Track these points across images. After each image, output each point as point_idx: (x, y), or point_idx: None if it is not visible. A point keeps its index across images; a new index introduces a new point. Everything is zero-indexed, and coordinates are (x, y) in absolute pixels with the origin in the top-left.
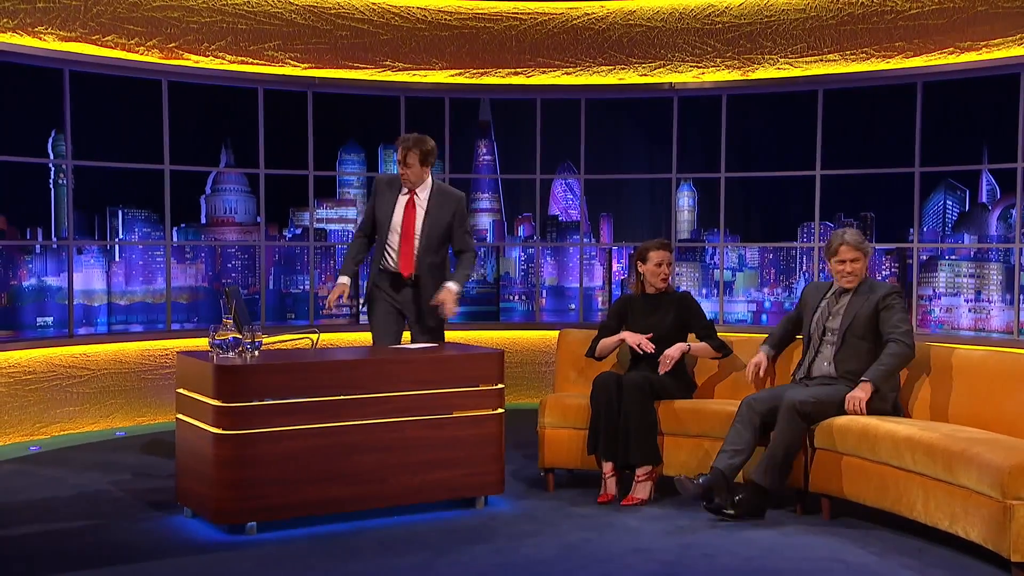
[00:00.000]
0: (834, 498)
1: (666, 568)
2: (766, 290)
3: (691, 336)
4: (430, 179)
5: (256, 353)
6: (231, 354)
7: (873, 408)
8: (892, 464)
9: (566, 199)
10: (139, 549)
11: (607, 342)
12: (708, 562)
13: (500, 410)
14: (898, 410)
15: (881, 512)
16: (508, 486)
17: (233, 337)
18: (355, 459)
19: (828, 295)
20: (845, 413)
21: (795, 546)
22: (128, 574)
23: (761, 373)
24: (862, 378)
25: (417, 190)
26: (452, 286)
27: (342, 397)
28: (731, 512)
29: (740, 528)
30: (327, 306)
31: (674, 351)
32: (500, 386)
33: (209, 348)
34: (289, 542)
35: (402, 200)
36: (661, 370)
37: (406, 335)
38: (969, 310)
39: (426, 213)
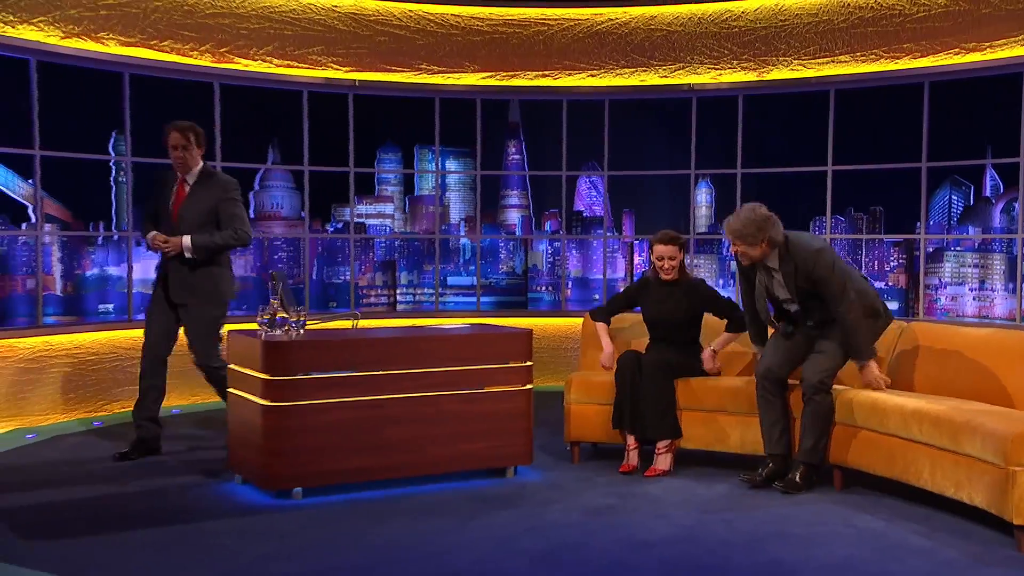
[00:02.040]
0: (846, 469)
1: (685, 531)
2: None
3: (706, 317)
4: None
5: (301, 332)
6: (278, 332)
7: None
8: (900, 435)
9: (590, 196)
10: (194, 511)
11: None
12: (725, 527)
13: (528, 386)
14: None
15: (890, 482)
16: (536, 458)
17: (280, 317)
18: (393, 430)
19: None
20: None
21: (808, 513)
22: (186, 533)
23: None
24: (859, 363)
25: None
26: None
27: (381, 372)
28: (799, 483)
29: (756, 496)
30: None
31: (708, 359)
32: (529, 363)
33: (257, 327)
34: (332, 506)
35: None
36: (709, 368)
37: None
38: (973, 298)
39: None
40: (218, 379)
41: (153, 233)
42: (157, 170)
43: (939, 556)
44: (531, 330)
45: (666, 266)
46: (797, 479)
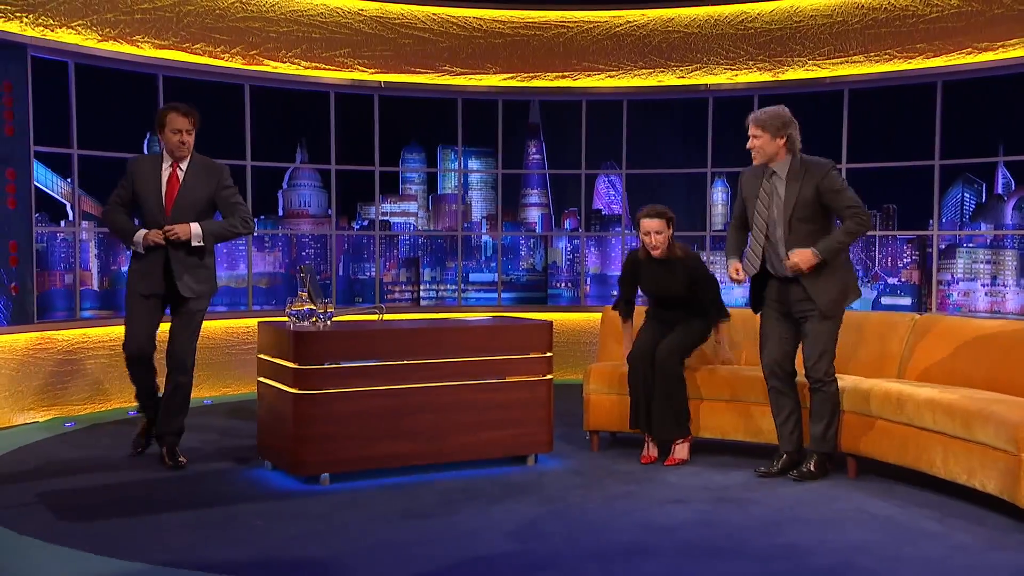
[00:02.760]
0: (859, 457)
1: (702, 515)
2: None
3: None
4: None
5: (328, 323)
6: (306, 323)
7: (824, 291)
8: (914, 424)
9: (608, 195)
10: (226, 495)
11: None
12: (741, 512)
13: (549, 376)
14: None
15: (903, 470)
16: (556, 447)
17: (308, 308)
18: (417, 418)
19: (764, 180)
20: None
21: (822, 500)
22: (216, 515)
23: (742, 275)
24: (814, 247)
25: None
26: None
27: (405, 362)
28: (814, 472)
29: (771, 484)
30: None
31: (724, 355)
32: (549, 354)
33: (287, 318)
34: (358, 491)
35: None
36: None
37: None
38: (986, 294)
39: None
40: (187, 387)
41: (143, 232)
42: (129, 159)
43: (952, 540)
44: (551, 322)
45: (652, 240)
46: (812, 468)
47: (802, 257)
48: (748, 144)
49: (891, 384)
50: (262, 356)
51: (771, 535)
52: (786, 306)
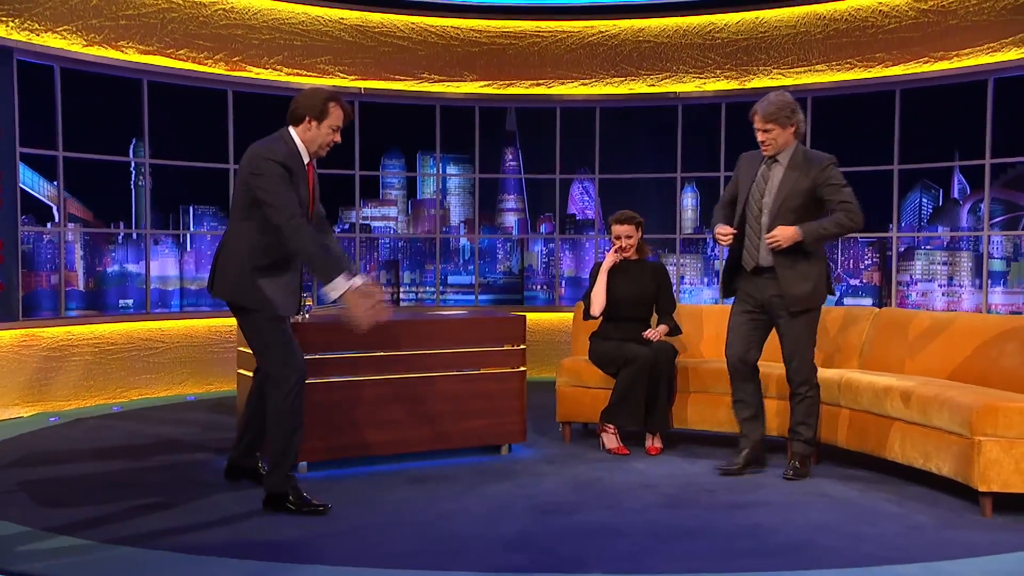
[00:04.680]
0: (822, 444)
1: (669, 500)
2: None
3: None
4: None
5: (306, 316)
6: None
7: (795, 282)
8: (873, 411)
9: (583, 200)
10: (206, 483)
11: (597, 293)
12: (707, 496)
13: (522, 368)
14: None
15: (863, 456)
16: (529, 439)
17: None
18: (394, 408)
19: (763, 164)
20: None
21: (785, 484)
22: (195, 501)
23: (728, 238)
24: (799, 227)
25: None
26: None
27: (383, 353)
28: (807, 470)
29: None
30: None
31: (662, 331)
32: (522, 347)
33: None
34: (335, 479)
35: None
36: (650, 335)
37: None
38: (943, 294)
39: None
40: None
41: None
42: (259, 144)
43: (909, 520)
44: (525, 316)
45: (624, 245)
46: (804, 466)
47: (784, 233)
48: (759, 138)
49: (851, 373)
50: (242, 349)
51: (736, 517)
52: (758, 302)
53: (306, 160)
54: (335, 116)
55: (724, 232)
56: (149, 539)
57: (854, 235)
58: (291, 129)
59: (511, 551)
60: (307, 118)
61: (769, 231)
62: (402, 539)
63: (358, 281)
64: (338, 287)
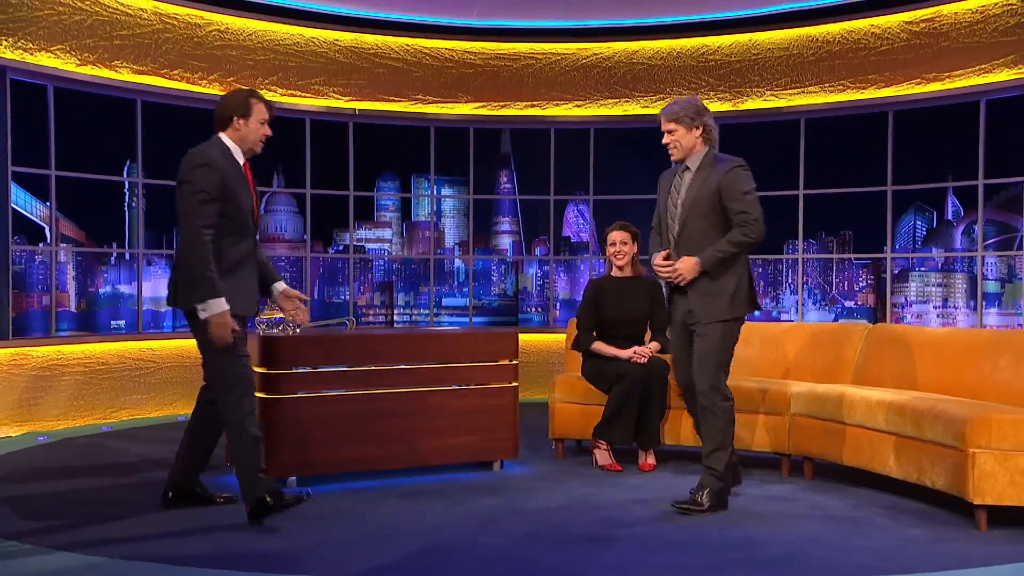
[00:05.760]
0: (815, 461)
1: (662, 515)
2: None
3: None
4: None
5: (297, 331)
6: (275, 330)
7: (704, 297)
8: (867, 426)
9: (577, 223)
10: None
11: (602, 350)
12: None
13: (514, 383)
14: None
15: (858, 473)
16: (522, 456)
17: (278, 316)
18: (384, 423)
19: (676, 175)
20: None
21: (777, 499)
22: (182, 515)
23: (662, 259)
24: (697, 256)
25: None
26: None
27: (372, 368)
28: (699, 502)
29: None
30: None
31: (654, 347)
32: (514, 362)
33: (256, 326)
34: (325, 494)
35: None
36: (637, 359)
37: None
38: (937, 316)
39: None
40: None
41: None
42: (193, 150)
43: (902, 534)
44: (517, 331)
45: (618, 250)
46: (698, 498)
47: (685, 265)
48: (663, 140)
49: (844, 388)
50: None
51: (727, 530)
52: (683, 318)
53: (241, 161)
54: (260, 110)
55: (662, 265)
56: (134, 551)
57: (847, 256)
58: (221, 135)
59: (497, 562)
60: (234, 118)
61: (677, 244)
62: (388, 551)
63: (222, 307)
64: (209, 308)
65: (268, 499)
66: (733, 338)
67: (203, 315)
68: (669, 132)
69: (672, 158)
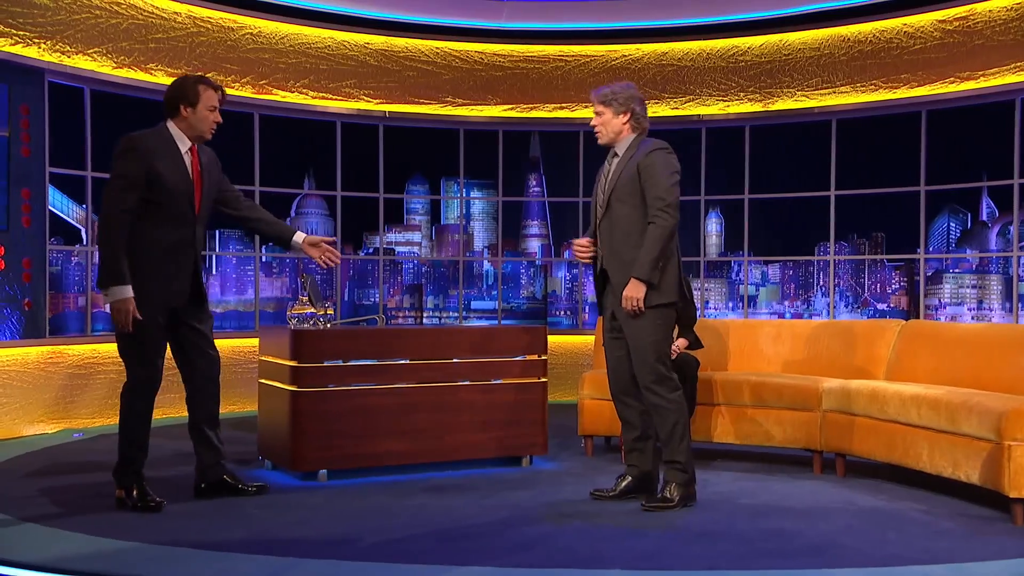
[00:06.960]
0: (848, 458)
1: (692, 508)
2: (787, 303)
3: None
4: None
5: (328, 325)
6: (306, 324)
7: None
8: (900, 421)
9: None
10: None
11: None
12: (729, 504)
13: (544, 379)
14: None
15: (891, 468)
16: (551, 453)
17: (309, 311)
18: (414, 417)
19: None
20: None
21: (809, 494)
22: (216, 505)
23: (584, 251)
24: (632, 274)
25: None
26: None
27: (402, 362)
28: (668, 498)
29: (758, 480)
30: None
31: (681, 344)
32: (544, 357)
33: (288, 320)
34: (356, 486)
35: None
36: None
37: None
38: (972, 318)
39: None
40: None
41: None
42: (126, 135)
43: (937, 527)
44: (545, 326)
45: None
46: (666, 494)
47: (631, 291)
48: (591, 122)
49: (876, 383)
50: (263, 358)
51: (759, 522)
52: (609, 317)
53: (184, 147)
54: (208, 96)
55: (579, 244)
56: (165, 538)
57: (879, 257)
58: (168, 122)
59: (531, 549)
60: (181, 106)
61: (600, 230)
62: (421, 541)
63: (125, 294)
64: (111, 294)
65: (125, 494)
66: (669, 327)
67: (105, 299)
68: (598, 114)
69: (598, 142)
